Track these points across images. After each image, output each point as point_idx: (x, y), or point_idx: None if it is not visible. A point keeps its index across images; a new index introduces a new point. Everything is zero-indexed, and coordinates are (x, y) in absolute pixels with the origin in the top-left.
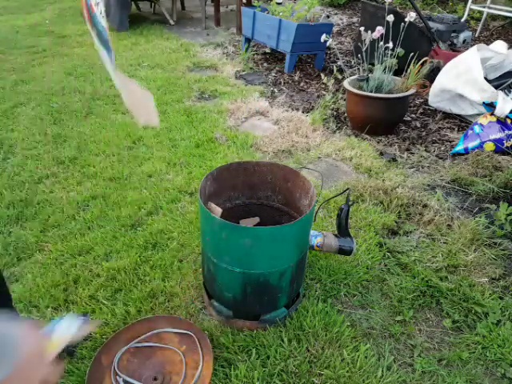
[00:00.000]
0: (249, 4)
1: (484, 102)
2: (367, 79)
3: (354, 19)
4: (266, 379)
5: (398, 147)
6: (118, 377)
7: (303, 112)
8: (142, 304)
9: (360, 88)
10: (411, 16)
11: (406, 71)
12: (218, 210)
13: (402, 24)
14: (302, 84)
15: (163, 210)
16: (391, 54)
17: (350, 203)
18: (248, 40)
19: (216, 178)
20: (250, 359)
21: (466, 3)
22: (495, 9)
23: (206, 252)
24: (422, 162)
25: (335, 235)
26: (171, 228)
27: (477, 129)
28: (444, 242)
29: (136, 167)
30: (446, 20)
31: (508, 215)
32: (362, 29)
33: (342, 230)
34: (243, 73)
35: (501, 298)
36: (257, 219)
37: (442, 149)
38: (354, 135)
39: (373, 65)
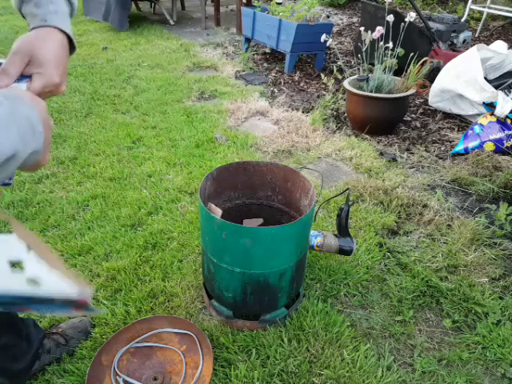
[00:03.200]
0: (249, 4)
1: (484, 102)
2: (367, 79)
3: (354, 19)
4: (266, 379)
5: (398, 147)
6: (117, 377)
7: (303, 112)
8: (142, 304)
9: (360, 88)
10: (411, 16)
11: (406, 71)
12: (218, 211)
13: (402, 24)
14: (302, 84)
15: (163, 210)
16: (391, 54)
17: (350, 203)
18: (248, 40)
19: (216, 177)
20: (250, 359)
21: (465, 3)
22: (495, 9)
23: (206, 252)
24: (422, 161)
25: (335, 235)
26: (171, 228)
27: (477, 129)
28: (444, 242)
29: (136, 167)
30: (446, 20)
31: (508, 215)
32: (362, 29)
33: (342, 230)
34: (243, 73)
35: (501, 298)
36: (260, 220)
37: (442, 149)
38: (354, 135)
39: (373, 65)
